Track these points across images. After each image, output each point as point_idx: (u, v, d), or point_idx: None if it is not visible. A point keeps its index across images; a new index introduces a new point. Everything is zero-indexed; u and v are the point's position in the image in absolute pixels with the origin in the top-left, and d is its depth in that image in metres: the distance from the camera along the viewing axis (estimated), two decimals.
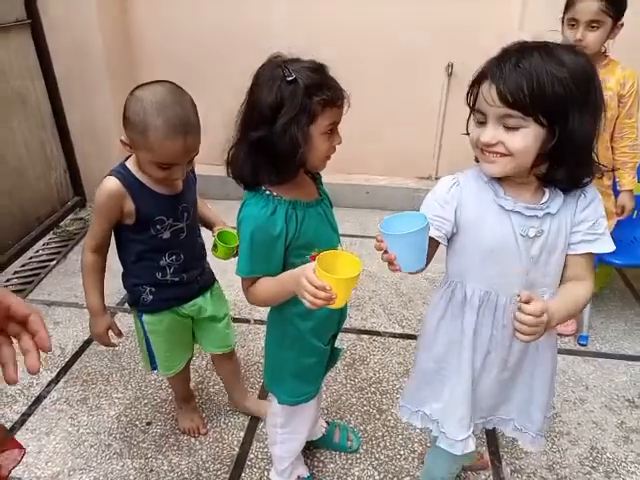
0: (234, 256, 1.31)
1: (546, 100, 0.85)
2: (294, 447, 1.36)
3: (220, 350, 1.56)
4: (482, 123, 0.93)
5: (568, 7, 1.65)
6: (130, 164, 1.25)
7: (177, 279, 1.36)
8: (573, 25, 1.63)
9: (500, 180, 0.97)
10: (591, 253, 0.98)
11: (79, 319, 2.16)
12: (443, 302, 1.08)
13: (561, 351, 1.94)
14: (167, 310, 1.39)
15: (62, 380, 1.85)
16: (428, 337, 1.13)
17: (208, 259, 1.47)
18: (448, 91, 2.83)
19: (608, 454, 1.57)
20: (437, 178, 3.06)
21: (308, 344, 1.17)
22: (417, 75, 2.82)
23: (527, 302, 0.86)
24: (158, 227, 1.28)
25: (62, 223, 2.97)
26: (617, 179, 1.86)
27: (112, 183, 1.22)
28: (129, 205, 1.23)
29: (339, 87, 1.00)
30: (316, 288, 0.90)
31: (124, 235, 1.30)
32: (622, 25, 1.64)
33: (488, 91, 0.89)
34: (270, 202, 1.03)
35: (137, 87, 1.16)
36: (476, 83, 0.92)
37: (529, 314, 0.86)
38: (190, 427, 1.63)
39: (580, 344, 2.00)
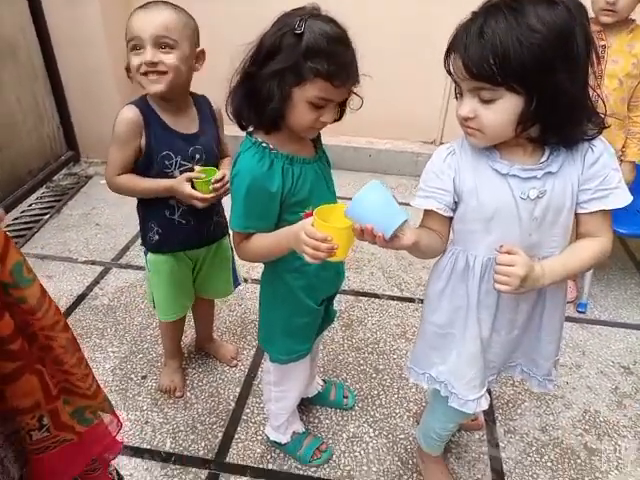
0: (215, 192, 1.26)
1: (515, 68, 0.79)
2: (288, 404, 1.36)
3: (217, 297, 1.62)
4: (460, 95, 0.89)
5: None
6: (149, 98, 1.25)
7: (184, 221, 1.35)
8: None
9: (496, 144, 0.92)
10: (605, 210, 0.94)
11: (72, 273, 2.13)
12: (446, 271, 1.05)
13: None
14: (170, 253, 1.39)
15: None
16: (432, 304, 1.10)
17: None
18: None
19: (601, 418, 1.58)
20: (442, 143, 2.99)
21: (300, 303, 1.14)
22: (425, 37, 2.71)
23: (508, 253, 0.88)
24: (166, 162, 1.26)
25: (55, 177, 2.90)
26: (623, 148, 1.81)
27: (131, 111, 1.22)
28: (144, 136, 1.23)
29: (348, 68, 0.93)
30: (317, 240, 0.87)
31: (136, 171, 1.28)
32: None
33: (455, 64, 0.85)
34: (266, 156, 0.99)
35: (133, 12, 1.18)
36: (447, 53, 0.87)
37: (498, 263, 0.89)
38: (168, 386, 1.60)
39: (579, 311, 1.99)
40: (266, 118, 0.96)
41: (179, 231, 1.36)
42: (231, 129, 1.13)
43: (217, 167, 1.33)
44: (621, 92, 1.71)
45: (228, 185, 1.14)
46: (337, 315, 1.36)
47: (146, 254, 1.43)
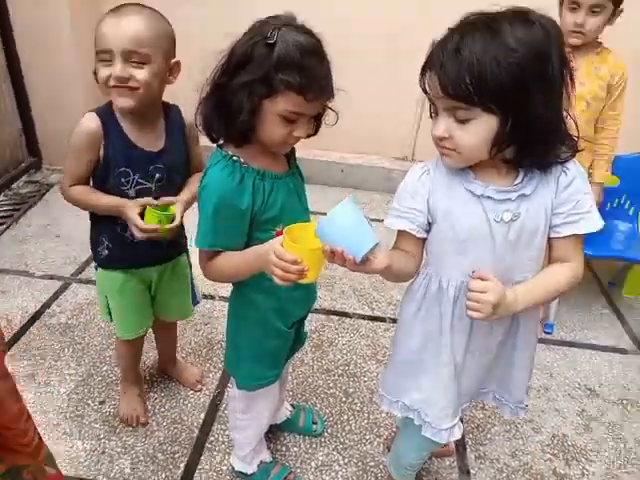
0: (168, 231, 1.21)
1: (491, 88, 0.78)
2: (255, 433, 1.30)
3: (178, 317, 1.57)
4: (435, 114, 0.88)
5: None
6: (115, 107, 1.17)
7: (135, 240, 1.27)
8: (575, 8, 1.57)
9: (470, 165, 0.91)
10: (577, 234, 0.93)
11: (28, 288, 2.02)
12: (420, 293, 1.02)
13: None
14: (120, 270, 1.32)
15: (8, 354, 1.71)
16: (405, 329, 1.08)
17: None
18: None
19: (569, 442, 1.58)
20: (414, 159, 3.00)
21: (269, 325, 1.10)
22: (399, 52, 2.72)
23: (480, 279, 0.87)
24: (122, 180, 1.19)
25: (14, 185, 2.76)
26: (590, 169, 1.83)
27: (92, 121, 1.16)
28: (102, 148, 1.17)
29: (321, 81, 0.89)
30: (286, 262, 0.83)
31: (94, 182, 1.23)
32: (622, 11, 1.59)
33: (431, 81, 0.83)
34: (236, 170, 0.94)
35: (102, 18, 1.11)
36: (423, 71, 0.86)
37: (470, 289, 0.88)
38: (130, 415, 1.50)
39: (546, 332, 2.01)
40: (236, 131, 0.92)
41: (129, 248, 1.28)
42: (205, 140, 1.08)
43: (183, 185, 1.29)
44: (588, 114, 1.72)
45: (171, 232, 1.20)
46: (307, 336, 1.31)
47: (96, 269, 1.37)
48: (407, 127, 2.92)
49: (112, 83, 1.09)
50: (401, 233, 0.97)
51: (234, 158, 0.95)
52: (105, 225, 1.27)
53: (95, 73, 1.13)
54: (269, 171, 0.98)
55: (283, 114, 0.90)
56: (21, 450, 0.60)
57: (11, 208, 2.57)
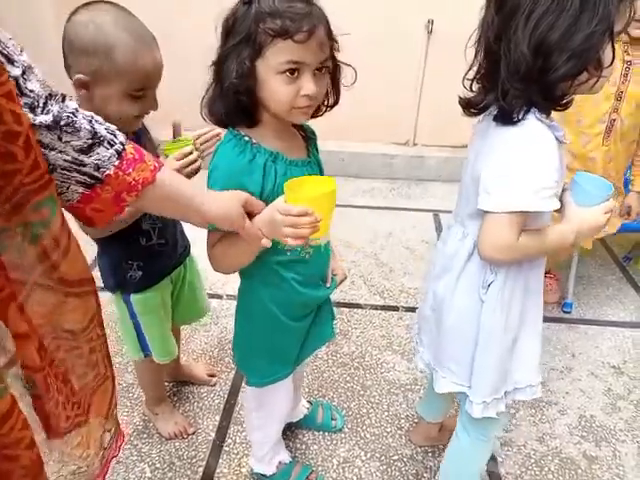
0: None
1: None
2: (271, 431, 1.25)
3: (196, 319, 1.51)
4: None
5: None
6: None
7: (163, 241, 1.21)
8: None
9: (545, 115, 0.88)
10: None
11: None
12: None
13: (546, 319, 1.89)
14: (155, 286, 1.24)
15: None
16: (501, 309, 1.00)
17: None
18: (427, 51, 2.68)
19: (597, 422, 1.53)
20: (415, 144, 2.94)
21: (276, 320, 1.04)
22: (395, 33, 2.65)
23: None
24: None
25: None
26: (631, 177, 1.72)
27: None
28: None
29: (308, 18, 0.79)
30: (295, 216, 0.77)
31: None
32: None
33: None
34: (247, 149, 0.88)
35: (72, 13, 0.95)
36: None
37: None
38: (176, 430, 1.44)
39: (564, 311, 1.96)
40: (239, 106, 0.85)
41: (161, 255, 1.22)
42: None
43: None
44: (637, 117, 1.55)
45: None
46: (333, 337, 1.25)
47: (127, 299, 1.23)
48: (407, 111, 2.86)
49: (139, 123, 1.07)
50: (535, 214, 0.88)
51: (245, 138, 0.89)
52: (129, 246, 1.17)
53: (84, 87, 0.96)
54: (283, 155, 0.91)
55: (279, 69, 0.81)
56: None
57: None
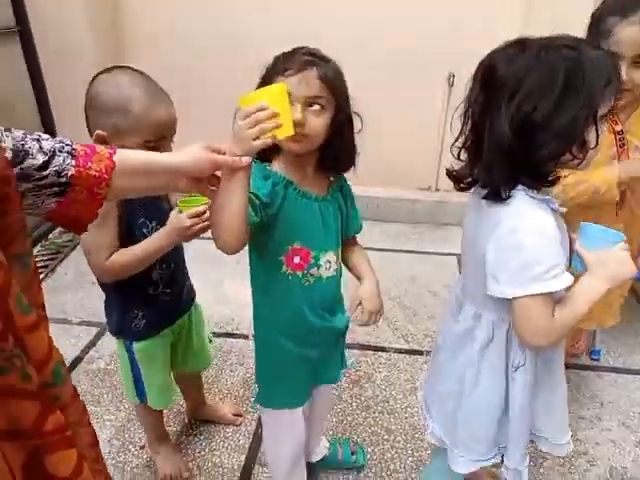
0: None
1: None
2: (280, 457, 1.25)
3: (203, 368, 1.53)
4: None
5: (602, 35, 1.20)
6: None
7: (169, 290, 1.26)
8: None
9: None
10: None
11: (67, 336, 2.06)
12: None
13: (574, 366, 1.88)
14: (158, 334, 1.29)
15: None
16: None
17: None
18: (449, 103, 2.79)
19: (628, 474, 1.49)
20: (437, 189, 3.01)
21: (282, 346, 1.09)
22: (418, 84, 2.78)
23: None
24: (144, 231, 1.15)
25: (51, 235, 2.86)
26: None
27: None
28: (115, 210, 1.10)
29: (299, 62, 0.92)
30: (253, 112, 0.79)
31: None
32: None
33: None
34: (264, 169, 0.98)
35: (93, 79, 1.08)
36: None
37: None
38: (173, 473, 1.45)
39: (592, 359, 1.93)
40: None
41: (166, 305, 1.26)
42: None
43: None
44: None
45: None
46: (342, 374, 1.27)
47: (129, 346, 1.27)
48: (429, 157, 2.94)
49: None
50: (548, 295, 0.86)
51: (265, 164, 0.99)
52: (136, 295, 1.21)
53: (103, 141, 1.04)
54: (295, 184, 1.00)
55: None
56: None
57: (47, 258, 2.66)
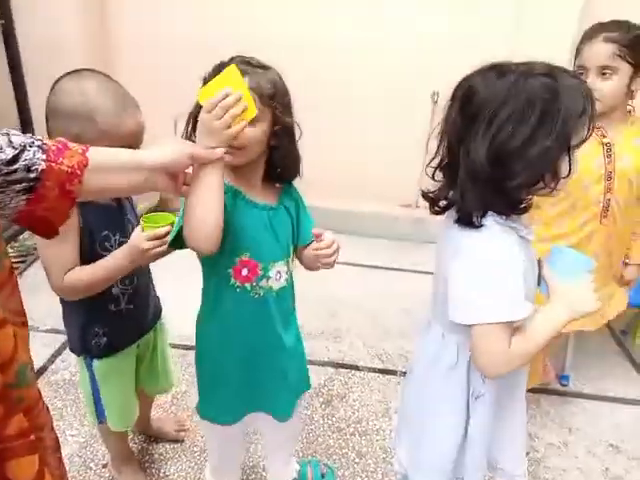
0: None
1: None
2: (214, 468, 1.29)
3: (164, 390, 1.49)
4: None
5: (577, 53, 1.43)
6: None
7: (131, 307, 1.20)
8: (581, 74, 1.38)
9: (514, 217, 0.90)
10: None
11: (33, 343, 1.97)
12: None
13: (543, 391, 1.90)
14: (120, 352, 1.23)
15: None
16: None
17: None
18: (432, 119, 2.81)
19: None
20: (418, 206, 3.03)
21: (217, 359, 1.09)
22: (402, 102, 2.79)
23: None
24: (107, 245, 1.09)
25: (20, 237, 2.77)
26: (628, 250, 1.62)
27: None
28: (77, 222, 1.03)
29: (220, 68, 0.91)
30: (217, 105, 0.80)
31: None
32: None
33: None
34: None
35: (55, 82, 1.02)
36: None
37: None
38: None
39: (562, 384, 1.95)
40: None
41: (130, 321, 1.21)
42: None
43: None
44: (633, 192, 1.48)
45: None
46: (311, 391, 1.25)
47: (89, 362, 1.21)
48: (411, 174, 2.95)
49: None
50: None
51: None
52: (95, 310, 1.15)
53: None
54: (243, 194, 0.99)
55: None
56: None
57: (17, 260, 2.57)
